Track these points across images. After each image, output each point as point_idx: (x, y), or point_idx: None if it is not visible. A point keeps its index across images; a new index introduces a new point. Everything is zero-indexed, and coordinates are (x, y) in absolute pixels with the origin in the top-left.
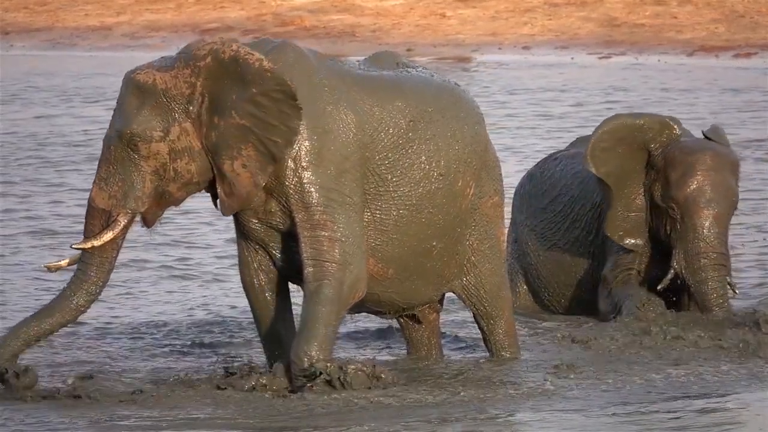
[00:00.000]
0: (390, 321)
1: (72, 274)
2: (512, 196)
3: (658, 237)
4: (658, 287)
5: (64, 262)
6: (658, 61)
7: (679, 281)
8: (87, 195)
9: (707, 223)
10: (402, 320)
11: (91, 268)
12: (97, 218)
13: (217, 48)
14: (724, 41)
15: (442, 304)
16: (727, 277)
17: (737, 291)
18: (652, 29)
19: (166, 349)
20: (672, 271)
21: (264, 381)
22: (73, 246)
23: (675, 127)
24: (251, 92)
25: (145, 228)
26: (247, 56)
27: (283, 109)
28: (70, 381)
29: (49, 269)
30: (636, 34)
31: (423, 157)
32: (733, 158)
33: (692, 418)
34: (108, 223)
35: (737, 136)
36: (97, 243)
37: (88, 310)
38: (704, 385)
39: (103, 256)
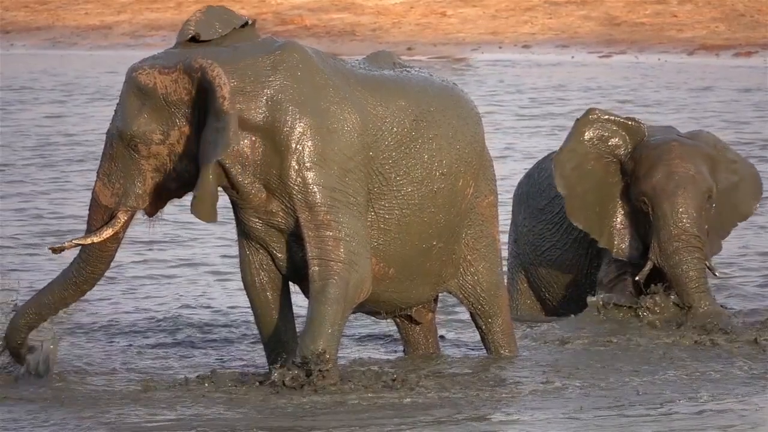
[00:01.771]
0: (386, 321)
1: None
2: (512, 196)
3: (642, 238)
4: (636, 278)
5: (68, 244)
6: (659, 59)
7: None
8: (90, 194)
9: (677, 209)
10: (398, 320)
11: (91, 259)
12: (99, 213)
13: (204, 66)
14: (724, 40)
15: (436, 304)
16: (706, 261)
17: (717, 273)
18: (653, 28)
19: (165, 349)
20: (649, 263)
21: (265, 380)
22: (74, 241)
23: (639, 129)
24: (214, 125)
25: (146, 217)
26: (217, 87)
27: (218, 152)
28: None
29: (54, 251)
30: (636, 33)
31: (426, 157)
32: (703, 150)
33: (694, 419)
34: (109, 219)
35: (739, 136)
36: (97, 239)
37: (89, 307)
38: (705, 386)
39: (103, 250)
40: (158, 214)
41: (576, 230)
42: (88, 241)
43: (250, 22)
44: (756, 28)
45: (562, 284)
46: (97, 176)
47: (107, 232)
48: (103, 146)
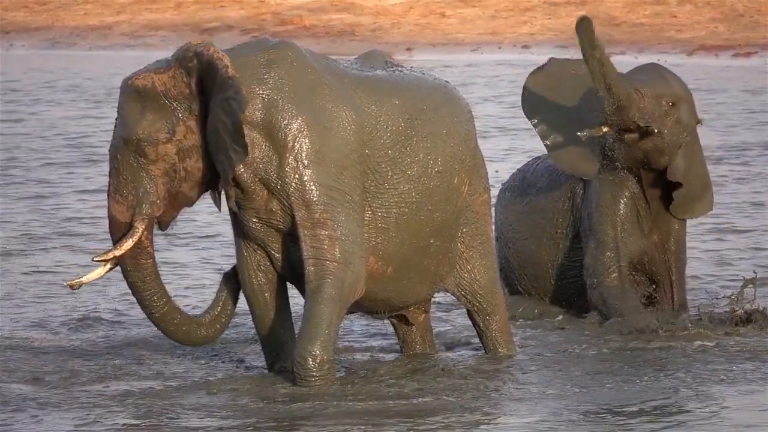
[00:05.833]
0: (382, 320)
1: (95, 287)
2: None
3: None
4: (581, 133)
5: (85, 278)
6: (658, 60)
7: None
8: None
9: (640, 77)
10: (394, 320)
11: (138, 283)
12: (121, 231)
13: (200, 50)
14: (723, 40)
15: (430, 304)
16: (640, 120)
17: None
18: (652, 28)
19: (165, 349)
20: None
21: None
22: (95, 259)
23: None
24: (221, 97)
25: (160, 230)
26: (217, 61)
27: (237, 115)
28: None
29: (72, 287)
30: (636, 33)
31: (421, 155)
32: (690, 95)
33: (690, 419)
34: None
35: (738, 136)
36: (118, 253)
37: (93, 309)
38: (701, 386)
39: (138, 269)
40: (172, 225)
41: (543, 220)
42: (110, 255)
43: None
44: (755, 28)
45: (531, 276)
46: (109, 196)
47: (127, 244)
48: (109, 163)
